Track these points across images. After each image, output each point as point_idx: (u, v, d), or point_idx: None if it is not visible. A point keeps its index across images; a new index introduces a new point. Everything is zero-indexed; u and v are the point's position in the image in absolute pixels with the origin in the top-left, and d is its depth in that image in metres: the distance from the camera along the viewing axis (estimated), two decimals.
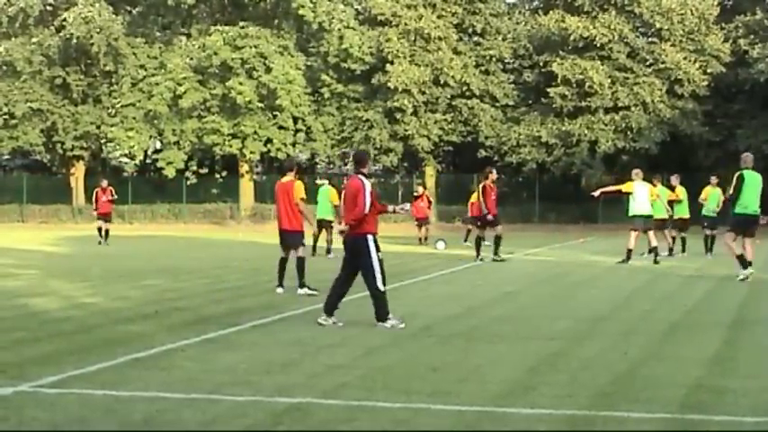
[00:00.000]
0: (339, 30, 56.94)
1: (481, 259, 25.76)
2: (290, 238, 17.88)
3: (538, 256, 28.94)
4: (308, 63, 59.40)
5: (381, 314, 13.12)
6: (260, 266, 23.27)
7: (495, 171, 27.36)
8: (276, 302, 15.97)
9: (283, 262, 18.03)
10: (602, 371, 9.93)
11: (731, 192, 20.24)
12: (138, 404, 8.46)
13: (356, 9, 60.36)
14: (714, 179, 29.01)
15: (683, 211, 29.04)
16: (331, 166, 69.68)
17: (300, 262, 17.67)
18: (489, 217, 25.88)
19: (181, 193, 61.14)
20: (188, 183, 60.41)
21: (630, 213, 25.82)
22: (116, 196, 37.58)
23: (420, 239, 35.89)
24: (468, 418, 8.02)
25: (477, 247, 26.35)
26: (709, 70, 54.58)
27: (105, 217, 35.99)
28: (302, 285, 17.47)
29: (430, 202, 40.34)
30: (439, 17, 57.43)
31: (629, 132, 54.54)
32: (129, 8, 63.24)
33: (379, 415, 8.12)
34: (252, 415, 8.10)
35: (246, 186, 61.53)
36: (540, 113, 56.59)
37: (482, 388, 9.10)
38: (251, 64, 56.37)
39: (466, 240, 33.53)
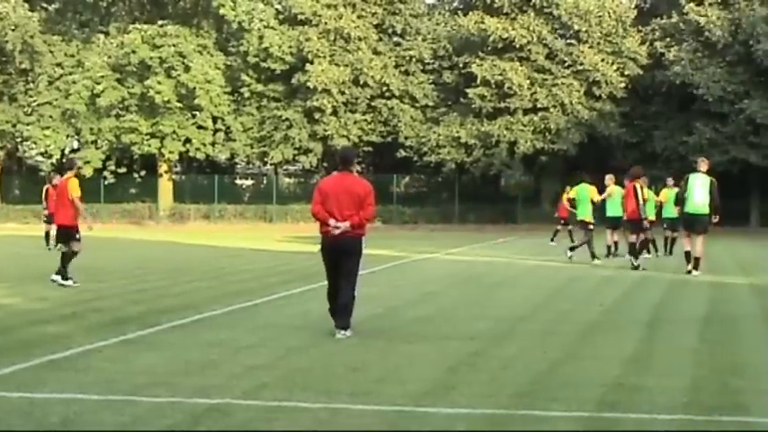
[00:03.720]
0: (259, 29, 56.84)
1: (643, 269, 23.08)
2: (67, 233, 19.08)
3: (458, 255, 29.04)
4: (228, 62, 59.23)
5: (348, 322, 12.50)
6: (179, 267, 23.07)
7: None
8: (196, 303, 15.83)
9: (65, 255, 18.95)
10: (522, 370, 10.01)
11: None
12: (54, 406, 8.35)
13: (276, 8, 60.19)
14: (671, 180, 28.85)
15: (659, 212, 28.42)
16: (250, 165, 69.36)
17: (72, 254, 18.81)
18: (646, 223, 23.62)
19: (99, 193, 60.34)
20: (106, 182, 59.77)
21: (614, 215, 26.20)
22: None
23: None
24: (389, 418, 8.04)
25: (647, 249, 24.58)
26: (626, 72, 55.32)
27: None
28: (60, 273, 18.63)
29: None
30: (359, 17, 57.52)
31: (547, 133, 55.01)
32: (45, 5, 62.38)
33: (299, 415, 8.11)
34: (171, 416, 8.04)
35: (165, 186, 61.06)
36: (460, 114, 56.83)
37: (402, 388, 9.12)
38: (170, 63, 56.01)
39: (552, 240, 34.86)
